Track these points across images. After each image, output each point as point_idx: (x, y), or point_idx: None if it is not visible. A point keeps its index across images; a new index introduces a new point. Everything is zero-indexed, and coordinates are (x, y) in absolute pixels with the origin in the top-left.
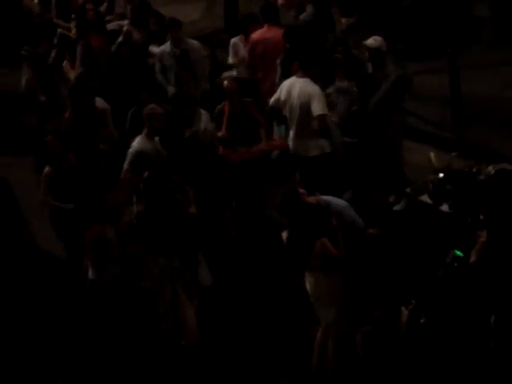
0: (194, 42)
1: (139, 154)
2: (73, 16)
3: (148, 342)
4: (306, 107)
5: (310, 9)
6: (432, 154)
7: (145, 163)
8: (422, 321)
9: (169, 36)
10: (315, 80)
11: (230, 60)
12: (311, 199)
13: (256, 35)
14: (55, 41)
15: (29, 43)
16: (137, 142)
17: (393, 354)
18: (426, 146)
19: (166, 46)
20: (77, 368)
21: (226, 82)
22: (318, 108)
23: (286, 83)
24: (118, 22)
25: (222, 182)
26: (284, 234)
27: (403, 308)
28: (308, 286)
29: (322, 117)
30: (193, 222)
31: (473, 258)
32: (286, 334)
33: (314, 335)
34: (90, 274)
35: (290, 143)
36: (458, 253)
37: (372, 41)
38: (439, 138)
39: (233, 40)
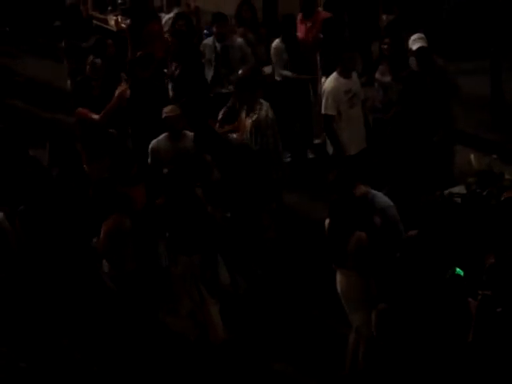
0: (238, 39)
1: (153, 151)
2: (109, 8)
3: (169, 339)
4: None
5: None
6: (472, 156)
7: (159, 161)
8: (498, 310)
9: (214, 30)
10: (345, 71)
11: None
12: (362, 189)
13: None
14: None
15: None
16: (155, 140)
17: (410, 334)
18: (465, 147)
19: (209, 40)
20: (111, 357)
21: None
22: (324, 106)
23: None
24: None
25: (260, 182)
26: (327, 221)
27: (471, 299)
28: (339, 287)
29: (324, 117)
30: (212, 220)
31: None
32: (319, 337)
33: (347, 338)
34: (105, 266)
35: None
36: (459, 271)
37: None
38: (479, 140)
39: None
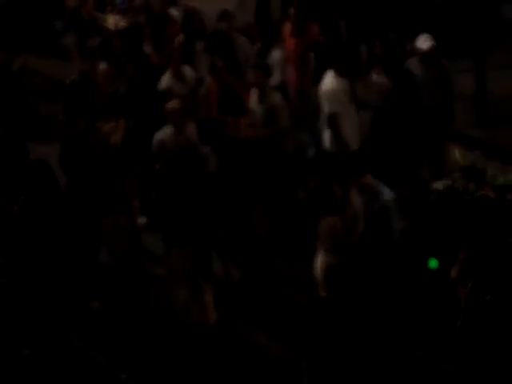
0: (242, 37)
1: (159, 143)
2: (109, 8)
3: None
4: (322, 102)
5: None
6: (457, 152)
7: (163, 153)
8: (487, 298)
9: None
10: (343, 71)
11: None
12: (369, 179)
13: None
14: None
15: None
16: (160, 132)
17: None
18: (450, 143)
19: None
20: (111, 344)
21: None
22: (326, 106)
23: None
24: None
25: (252, 177)
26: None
27: (459, 287)
28: (318, 267)
29: (329, 116)
30: (202, 216)
31: (453, 275)
32: (301, 316)
33: None
34: (101, 258)
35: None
36: (433, 264)
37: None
38: (464, 137)
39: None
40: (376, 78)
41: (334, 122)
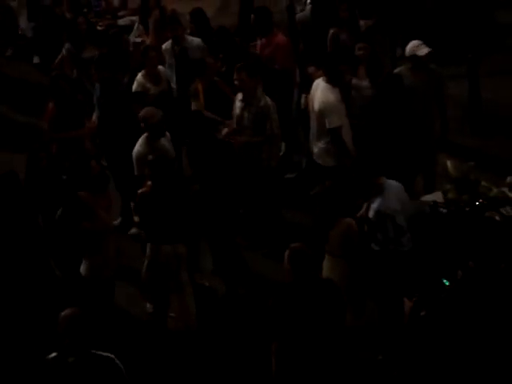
0: (195, 40)
1: (139, 157)
2: (85, 10)
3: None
4: (321, 116)
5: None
6: (449, 163)
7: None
8: (422, 313)
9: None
10: (338, 82)
11: None
12: (382, 179)
13: None
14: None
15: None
16: (138, 145)
17: None
18: (443, 154)
19: (168, 44)
20: None
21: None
22: (330, 120)
23: (314, 84)
24: (129, 18)
25: (232, 185)
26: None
27: (406, 299)
28: (324, 273)
29: (333, 130)
30: (196, 209)
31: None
32: None
33: None
34: (84, 270)
35: (312, 148)
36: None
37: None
38: (456, 147)
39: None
40: (357, 81)
41: (337, 136)
